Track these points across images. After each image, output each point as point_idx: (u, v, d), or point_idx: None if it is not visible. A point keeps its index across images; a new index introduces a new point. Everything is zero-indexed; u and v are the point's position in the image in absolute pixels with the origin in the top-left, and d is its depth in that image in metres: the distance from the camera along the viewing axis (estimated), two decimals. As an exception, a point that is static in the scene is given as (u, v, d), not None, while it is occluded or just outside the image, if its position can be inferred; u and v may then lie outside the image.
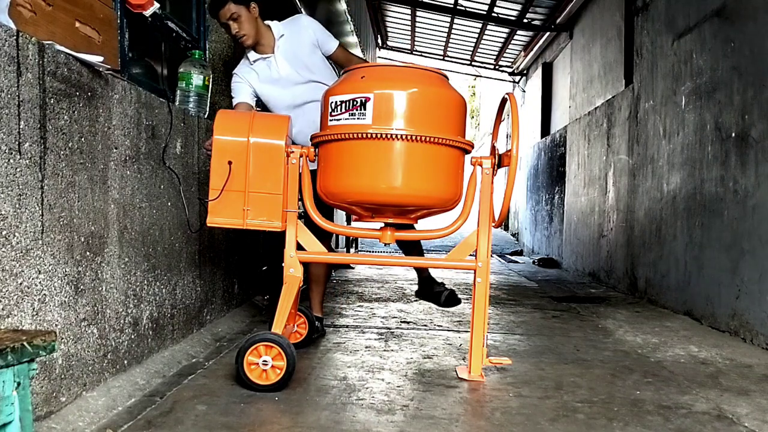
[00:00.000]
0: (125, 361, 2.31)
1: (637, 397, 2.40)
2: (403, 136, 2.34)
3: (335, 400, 2.24)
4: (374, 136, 2.35)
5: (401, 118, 2.36)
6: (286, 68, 3.06)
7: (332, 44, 3.13)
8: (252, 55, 3.08)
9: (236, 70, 3.16)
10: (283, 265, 2.60)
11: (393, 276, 6.17)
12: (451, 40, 11.05)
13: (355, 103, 2.38)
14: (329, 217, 2.94)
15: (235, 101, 3.11)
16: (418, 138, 2.34)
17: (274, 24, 3.09)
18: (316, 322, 3.16)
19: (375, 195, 2.42)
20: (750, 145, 3.44)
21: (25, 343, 1.23)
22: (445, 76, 2.54)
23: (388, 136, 2.34)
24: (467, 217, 2.62)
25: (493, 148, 2.69)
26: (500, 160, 2.62)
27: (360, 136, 2.36)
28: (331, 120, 2.44)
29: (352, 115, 2.38)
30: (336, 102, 2.43)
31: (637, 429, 2.05)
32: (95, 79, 2.07)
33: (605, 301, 4.96)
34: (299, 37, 3.06)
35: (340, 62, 3.17)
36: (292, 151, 2.53)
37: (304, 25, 3.10)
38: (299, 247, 2.62)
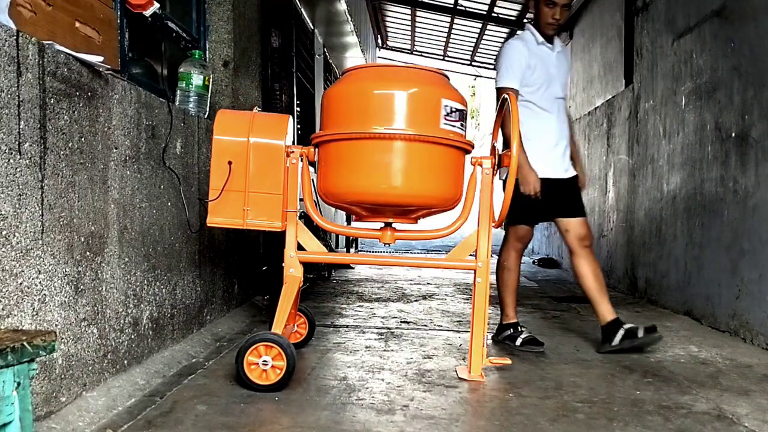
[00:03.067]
0: (125, 361, 2.31)
1: (637, 397, 2.40)
2: (404, 136, 2.34)
3: (335, 400, 2.24)
4: (374, 135, 2.35)
5: (401, 118, 2.36)
6: (556, 70, 3.20)
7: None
8: (539, 38, 3.19)
9: (516, 42, 3.22)
10: (283, 265, 2.60)
11: (393, 276, 6.17)
12: (451, 40, 11.04)
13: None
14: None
15: (508, 83, 3.12)
16: (419, 138, 2.34)
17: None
18: (510, 329, 3.26)
19: (375, 195, 2.42)
20: (750, 145, 3.44)
21: (25, 343, 1.23)
22: (446, 76, 2.54)
23: (389, 136, 2.34)
24: (467, 217, 2.62)
25: (493, 148, 2.69)
26: (500, 160, 2.62)
27: (360, 136, 2.36)
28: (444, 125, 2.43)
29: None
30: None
31: (637, 429, 2.05)
32: (95, 79, 2.07)
33: (605, 301, 4.94)
34: (567, 63, 3.32)
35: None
36: (292, 151, 2.53)
37: (570, 59, 3.43)
38: (299, 247, 2.62)
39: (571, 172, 3.24)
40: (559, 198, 3.17)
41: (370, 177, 2.39)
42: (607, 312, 3.11)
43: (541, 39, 3.19)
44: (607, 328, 3.09)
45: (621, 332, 3.02)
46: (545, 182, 3.07)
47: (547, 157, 3.13)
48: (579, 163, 3.37)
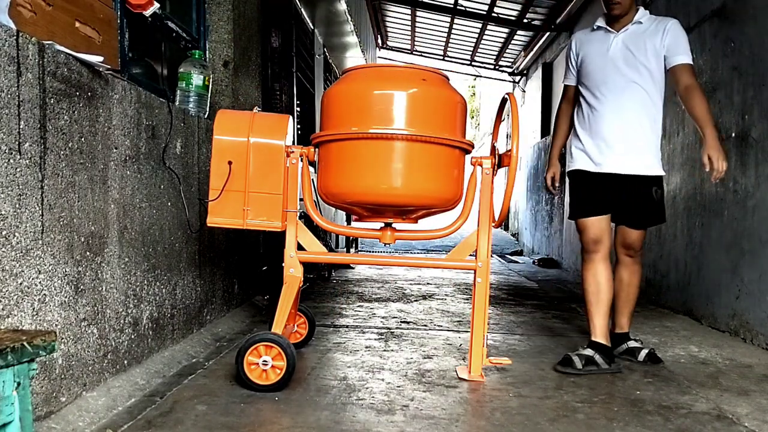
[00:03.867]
0: (125, 361, 2.31)
1: (637, 397, 2.40)
2: (404, 136, 2.34)
3: (335, 400, 2.24)
4: (375, 136, 2.35)
5: (401, 119, 2.36)
6: (617, 53, 2.86)
7: (679, 59, 2.80)
8: (600, 22, 2.98)
9: (578, 32, 3.14)
10: (283, 265, 2.60)
11: (393, 276, 6.17)
12: (451, 40, 11.05)
13: None
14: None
15: (564, 80, 3.13)
16: (419, 138, 2.34)
17: (642, 11, 2.91)
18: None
19: (375, 195, 2.42)
20: (750, 145, 3.44)
21: (25, 343, 1.23)
22: (446, 77, 2.54)
23: (389, 136, 2.34)
24: (467, 217, 2.62)
25: (493, 148, 2.69)
26: (500, 160, 2.62)
27: (360, 136, 2.36)
28: None
29: None
30: None
31: (637, 429, 2.05)
32: (95, 79, 2.07)
33: (605, 301, 4.94)
34: (646, 36, 2.83)
35: (675, 80, 2.84)
36: (292, 151, 2.53)
37: (663, 28, 2.82)
38: (299, 247, 2.62)
39: (639, 170, 2.83)
40: (620, 197, 2.87)
41: (371, 177, 2.39)
42: (620, 323, 3.07)
43: (598, 24, 2.97)
44: (615, 335, 3.04)
45: (624, 347, 3.00)
46: (597, 176, 2.86)
47: (598, 154, 2.85)
48: (708, 144, 2.72)
